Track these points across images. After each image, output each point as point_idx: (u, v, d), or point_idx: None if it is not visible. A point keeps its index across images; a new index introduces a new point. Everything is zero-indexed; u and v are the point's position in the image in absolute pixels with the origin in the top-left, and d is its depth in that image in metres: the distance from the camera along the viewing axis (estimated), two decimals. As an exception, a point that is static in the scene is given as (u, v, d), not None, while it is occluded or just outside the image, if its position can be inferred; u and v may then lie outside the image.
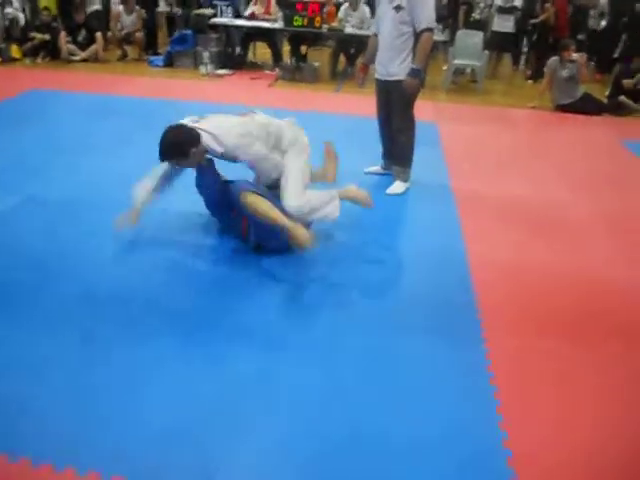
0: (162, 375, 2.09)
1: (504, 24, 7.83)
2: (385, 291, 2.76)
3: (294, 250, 2.77)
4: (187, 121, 2.71)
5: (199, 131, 2.63)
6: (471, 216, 3.56)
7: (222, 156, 2.72)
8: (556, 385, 2.18)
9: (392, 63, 3.61)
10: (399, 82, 3.59)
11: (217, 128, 2.66)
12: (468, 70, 7.95)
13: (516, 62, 8.99)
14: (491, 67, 8.23)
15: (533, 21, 8.15)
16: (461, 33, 7.61)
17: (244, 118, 2.82)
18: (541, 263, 3.05)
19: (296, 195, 2.77)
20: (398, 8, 3.45)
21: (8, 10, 8.27)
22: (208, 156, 2.78)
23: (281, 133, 2.86)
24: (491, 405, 2.04)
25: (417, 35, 3.50)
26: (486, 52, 7.35)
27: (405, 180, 3.89)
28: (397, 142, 3.83)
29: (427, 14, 3.45)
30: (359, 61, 3.89)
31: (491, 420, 1.97)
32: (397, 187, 3.85)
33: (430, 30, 3.49)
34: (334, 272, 2.85)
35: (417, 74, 3.56)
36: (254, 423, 1.90)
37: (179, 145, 2.64)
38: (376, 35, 3.76)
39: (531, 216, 3.65)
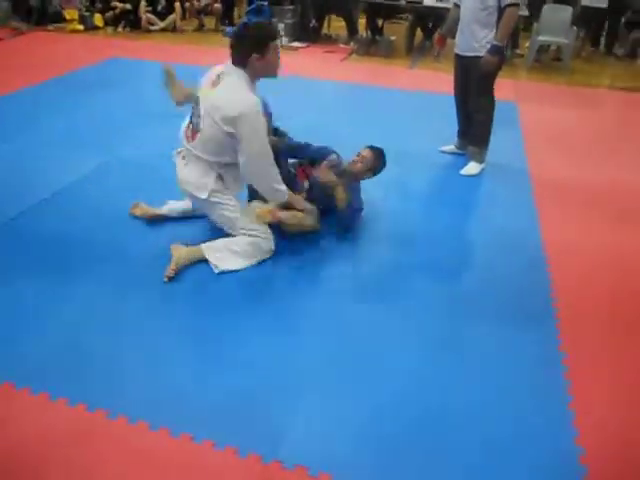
0: (231, 339, 2.14)
1: (596, -2, 7.32)
2: (455, 275, 2.69)
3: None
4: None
5: None
6: (549, 201, 3.40)
7: None
8: (634, 383, 2.06)
9: (473, 38, 3.44)
10: (479, 58, 3.43)
11: None
12: (553, 47, 7.53)
13: (596, 42, 8.20)
14: (579, 45, 7.75)
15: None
16: (548, 7, 7.17)
17: None
18: (623, 252, 2.88)
19: None
20: None
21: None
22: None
23: None
24: (563, 400, 1.96)
25: (501, 9, 3.33)
26: (574, 28, 6.92)
27: (480, 161, 3.75)
28: (474, 121, 3.68)
29: None
30: (438, 32, 3.68)
31: (563, 416, 1.89)
32: (472, 168, 3.73)
33: (516, 5, 3.30)
34: (403, 254, 2.80)
35: (498, 51, 3.39)
36: (323, 389, 1.92)
37: None
38: (457, 6, 3.60)
39: (616, 203, 3.44)
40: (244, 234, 2.57)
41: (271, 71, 2.49)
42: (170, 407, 1.83)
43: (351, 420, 1.83)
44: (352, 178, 2.90)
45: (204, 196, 2.50)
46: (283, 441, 1.73)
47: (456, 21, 3.60)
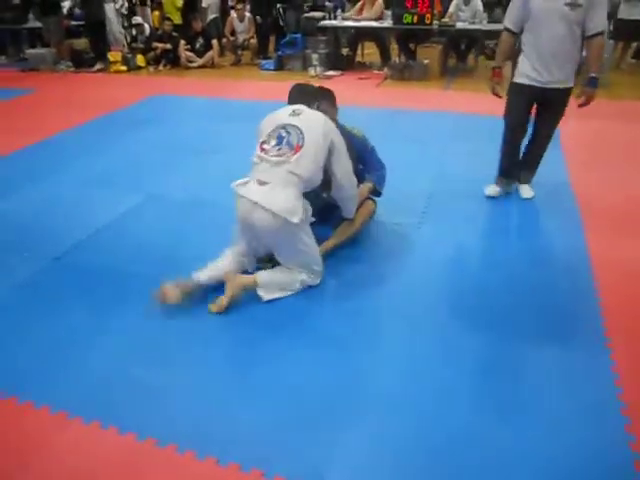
0: (276, 367, 2.15)
1: (632, 11, 7.20)
2: (502, 294, 2.62)
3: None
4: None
5: None
6: (594, 216, 3.31)
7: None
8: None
9: (562, 69, 3.15)
10: (567, 89, 3.21)
11: None
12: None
13: (637, 54, 8.06)
14: (617, 58, 7.61)
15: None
16: (583, 23, 7.10)
17: None
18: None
19: None
20: (574, 5, 2.95)
21: (137, 17, 8.97)
22: None
23: None
24: (619, 423, 1.87)
25: (585, 38, 3.08)
26: (611, 42, 6.81)
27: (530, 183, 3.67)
28: (538, 147, 3.53)
29: (603, 14, 3.02)
30: (493, 64, 3.53)
31: (620, 439, 1.81)
32: (530, 191, 3.62)
33: (603, 34, 3.09)
34: (449, 274, 2.77)
35: (596, 84, 3.17)
36: (363, 417, 1.89)
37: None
38: (513, 34, 3.27)
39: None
40: (300, 272, 2.54)
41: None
42: (217, 436, 1.84)
43: (393, 443, 1.80)
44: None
45: (296, 220, 2.31)
46: (329, 469, 1.72)
47: (511, 51, 3.43)
